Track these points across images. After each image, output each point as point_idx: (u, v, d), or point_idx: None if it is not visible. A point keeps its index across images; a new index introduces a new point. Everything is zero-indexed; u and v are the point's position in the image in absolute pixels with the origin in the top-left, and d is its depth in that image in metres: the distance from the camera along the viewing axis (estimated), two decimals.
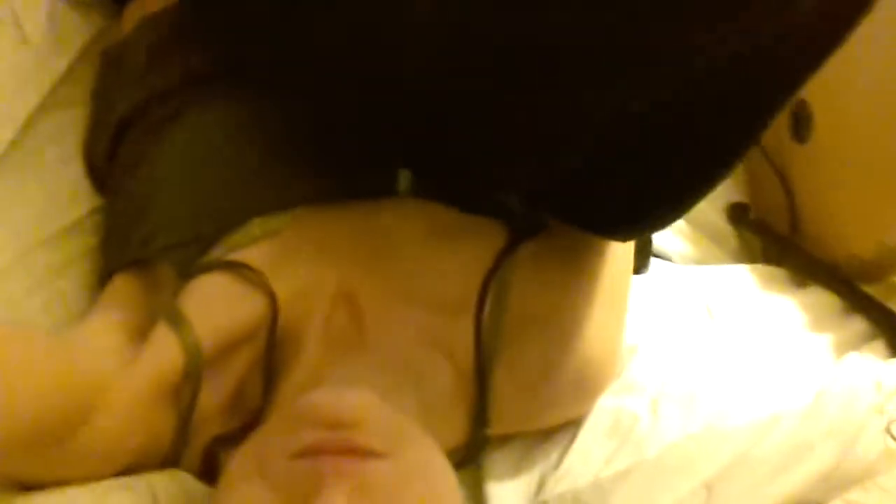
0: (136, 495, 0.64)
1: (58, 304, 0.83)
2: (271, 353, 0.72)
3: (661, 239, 1.06)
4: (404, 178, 0.76)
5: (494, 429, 0.79)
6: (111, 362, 0.69)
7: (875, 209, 0.99)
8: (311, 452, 0.55)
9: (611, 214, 0.69)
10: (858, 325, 0.94)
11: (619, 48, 0.57)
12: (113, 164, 0.87)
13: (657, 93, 0.59)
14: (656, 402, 0.84)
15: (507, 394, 0.77)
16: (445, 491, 0.61)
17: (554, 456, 0.83)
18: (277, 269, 0.73)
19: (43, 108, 0.92)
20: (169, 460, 0.70)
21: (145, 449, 0.68)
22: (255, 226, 0.75)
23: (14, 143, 0.89)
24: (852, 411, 0.79)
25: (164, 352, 0.69)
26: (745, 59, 0.56)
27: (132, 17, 0.95)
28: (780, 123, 1.05)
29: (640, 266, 1.01)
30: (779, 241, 1.05)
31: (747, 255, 1.07)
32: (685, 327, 0.92)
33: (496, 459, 0.83)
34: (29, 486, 0.64)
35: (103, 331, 0.73)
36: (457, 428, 0.78)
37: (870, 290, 0.97)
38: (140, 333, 0.72)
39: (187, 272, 0.73)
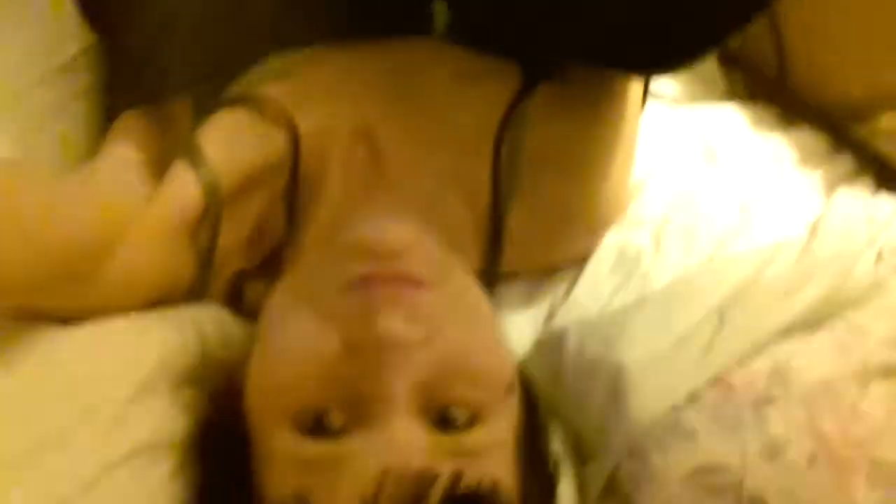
0: (176, 326, 0.65)
1: (59, 147, 0.82)
2: (295, 188, 0.72)
3: (653, 80, 1.06)
4: (440, 16, 0.74)
5: (507, 264, 0.81)
6: (129, 198, 0.68)
7: (864, 49, 1.00)
8: (363, 283, 0.57)
9: (647, 50, 0.69)
10: (845, 162, 0.98)
11: None
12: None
13: None
14: (659, 237, 0.88)
15: (522, 230, 0.79)
16: (485, 317, 0.63)
17: (562, 289, 0.86)
18: (297, 105, 0.72)
19: None
20: (192, 295, 0.71)
21: (168, 283, 0.69)
22: (275, 62, 0.73)
23: None
24: (847, 241, 0.83)
25: (183, 189, 0.69)
26: None
27: None
28: None
29: None
30: (767, 82, 1.06)
31: (735, 96, 1.08)
32: (683, 164, 0.94)
33: (507, 292, 0.86)
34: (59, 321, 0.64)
35: (118, 167, 0.72)
36: (471, 262, 0.80)
37: (856, 130, 1.00)
38: (155, 171, 0.72)
39: (205, 108, 0.71)
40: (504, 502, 0.54)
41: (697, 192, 0.91)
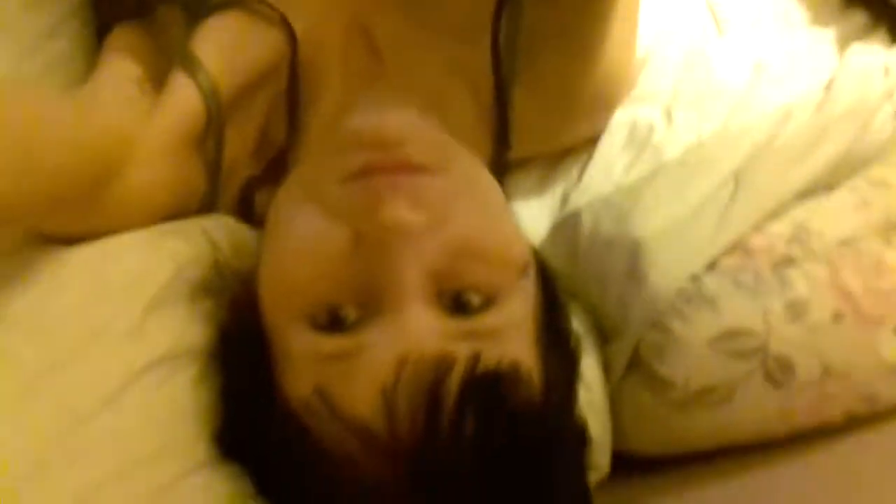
0: (188, 237, 0.64)
1: (55, 68, 0.80)
2: (294, 87, 0.71)
3: None
4: None
5: (516, 151, 0.80)
6: (130, 113, 0.67)
7: None
8: (364, 173, 0.55)
9: None
10: (858, 17, 0.94)
11: None
12: None
13: None
14: (670, 109, 0.85)
15: (528, 114, 0.77)
16: (494, 200, 0.62)
17: (575, 172, 0.85)
18: (288, 5, 0.70)
19: None
20: (203, 208, 0.70)
21: (179, 198, 0.68)
22: None
23: None
24: (864, 95, 0.80)
25: (184, 99, 0.67)
26: None
27: None
28: None
29: None
30: None
31: None
32: (690, 33, 0.91)
33: (519, 180, 0.85)
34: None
35: (116, 84, 0.71)
36: (480, 152, 0.78)
37: None
38: (152, 83, 0.70)
39: (194, 14, 0.70)
40: (525, 381, 0.53)
41: (707, 60, 0.88)
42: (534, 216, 0.83)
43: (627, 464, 0.72)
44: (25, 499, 0.51)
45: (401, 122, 0.59)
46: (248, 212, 0.72)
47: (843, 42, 0.91)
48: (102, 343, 0.57)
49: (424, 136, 0.60)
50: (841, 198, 0.74)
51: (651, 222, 0.71)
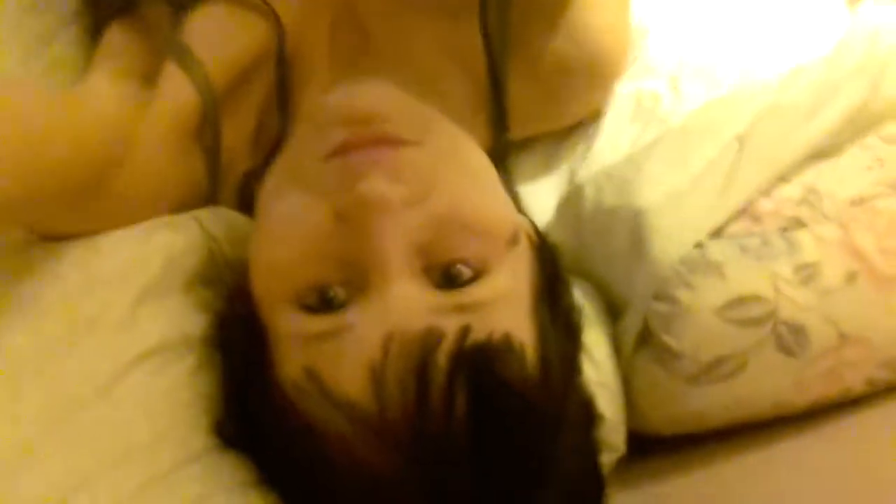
0: (181, 228, 0.64)
1: (55, 72, 0.80)
2: (283, 74, 0.70)
3: None
4: None
5: (515, 132, 0.78)
6: (126, 108, 0.67)
7: None
8: (343, 149, 0.54)
9: None
10: None
11: None
12: None
13: None
14: (676, 79, 0.83)
15: (523, 94, 0.76)
16: (479, 171, 0.60)
17: (580, 149, 0.83)
18: None
19: None
20: (206, 201, 0.69)
21: (181, 193, 0.68)
22: None
23: None
24: (875, 51, 0.77)
25: (177, 91, 0.67)
26: None
27: None
28: None
29: None
30: None
31: None
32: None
33: (523, 162, 0.84)
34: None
35: (109, 80, 0.71)
36: (479, 135, 0.77)
37: None
38: (146, 78, 0.70)
39: (180, 7, 0.69)
40: (518, 353, 0.51)
41: (712, 27, 0.86)
42: (542, 196, 0.82)
43: (646, 444, 0.70)
44: (18, 486, 0.51)
45: (377, 96, 0.58)
46: (249, 203, 0.72)
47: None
48: (95, 333, 0.57)
49: (403, 108, 0.59)
50: (853, 156, 0.71)
51: (653, 192, 0.69)
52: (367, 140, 0.54)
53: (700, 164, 0.70)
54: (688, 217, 0.67)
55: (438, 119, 0.61)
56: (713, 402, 0.66)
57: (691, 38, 0.85)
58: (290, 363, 0.53)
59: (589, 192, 0.73)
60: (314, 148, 0.56)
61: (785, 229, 0.66)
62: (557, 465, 0.52)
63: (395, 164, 0.54)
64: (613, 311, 0.72)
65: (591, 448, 0.58)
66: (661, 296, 0.66)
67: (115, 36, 0.74)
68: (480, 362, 0.50)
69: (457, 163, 0.57)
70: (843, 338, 0.64)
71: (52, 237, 0.63)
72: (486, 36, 0.72)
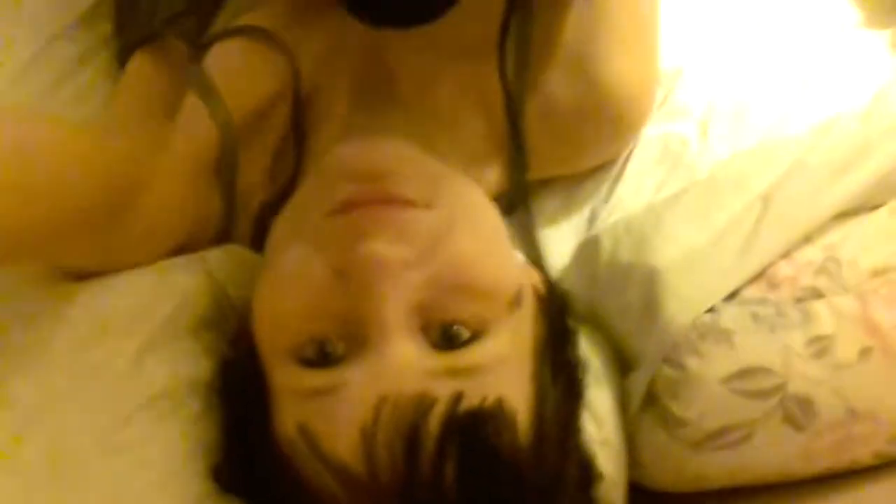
0: (191, 271, 0.65)
1: (85, 96, 0.82)
2: (298, 113, 0.71)
3: None
4: None
5: (534, 173, 0.78)
6: (146, 140, 0.68)
7: None
8: (348, 206, 0.55)
9: None
10: None
11: None
12: None
13: None
14: (706, 124, 0.82)
15: (542, 136, 0.75)
16: (487, 232, 0.60)
17: (604, 189, 0.82)
18: (292, 28, 0.70)
19: None
20: (221, 236, 0.70)
21: (196, 226, 0.68)
22: None
23: None
24: None
25: (198, 125, 0.68)
26: None
27: None
28: None
29: None
30: None
31: None
32: (731, 41, 0.87)
33: (545, 200, 0.83)
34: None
35: (131, 110, 0.72)
36: (497, 175, 0.77)
37: None
38: (168, 108, 0.71)
39: (196, 43, 0.70)
40: (510, 420, 0.51)
41: (746, 70, 0.84)
42: (562, 238, 0.81)
43: (648, 497, 0.70)
44: None
45: (390, 153, 0.59)
46: (263, 241, 0.73)
47: None
48: (99, 383, 0.58)
49: (414, 167, 0.59)
50: (879, 221, 0.69)
51: (670, 250, 0.68)
52: (372, 198, 0.55)
53: (722, 220, 0.69)
54: (704, 280, 0.66)
55: (451, 179, 0.61)
56: (717, 468, 0.66)
57: (723, 82, 0.83)
58: (286, 417, 0.53)
59: (606, 243, 0.72)
60: (320, 202, 0.56)
61: (801, 300, 0.65)
62: None
63: (399, 224, 0.54)
64: (623, 364, 0.72)
65: None
66: (670, 360, 0.65)
67: (140, 65, 0.75)
68: (471, 430, 0.50)
69: (465, 225, 0.57)
70: (852, 413, 0.63)
71: (70, 271, 0.64)
72: (503, 78, 0.71)
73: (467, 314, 0.54)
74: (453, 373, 0.52)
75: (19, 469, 0.54)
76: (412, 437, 0.49)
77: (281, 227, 0.61)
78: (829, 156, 0.72)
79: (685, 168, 0.79)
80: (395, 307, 0.52)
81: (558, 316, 0.62)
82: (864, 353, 0.63)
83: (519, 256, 0.73)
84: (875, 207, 0.71)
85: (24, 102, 0.79)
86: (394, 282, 0.52)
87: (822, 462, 0.65)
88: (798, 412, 0.63)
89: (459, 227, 0.56)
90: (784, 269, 0.67)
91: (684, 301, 0.66)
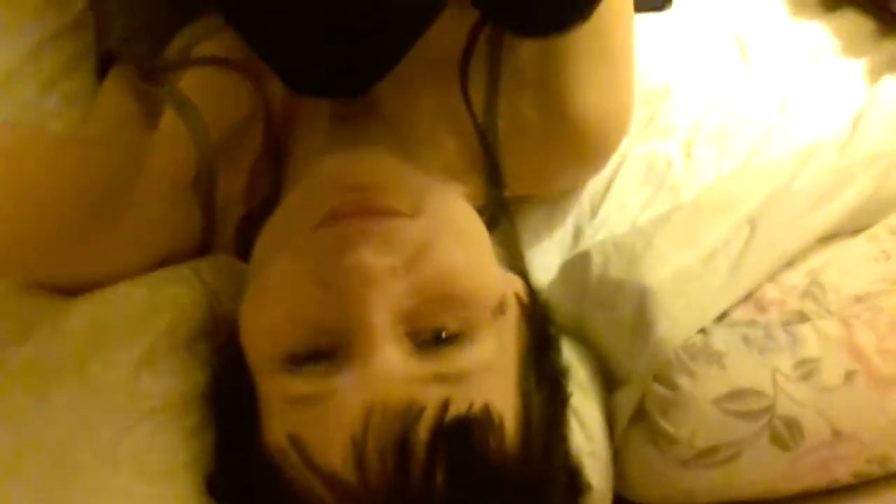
0: (185, 282, 0.65)
1: (70, 104, 0.82)
2: (272, 133, 0.71)
3: None
4: None
5: (511, 189, 0.77)
6: (126, 155, 0.68)
7: None
8: (334, 217, 0.55)
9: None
10: (892, 47, 0.91)
11: None
12: None
13: None
14: (690, 145, 0.84)
15: (515, 157, 0.74)
16: (475, 242, 0.61)
17: (586, 204, 0.83)
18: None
19: None
20: (202, 248, 0.70)
21: (176, 238, 0.69)
22: (213, 18, 0.71)
23: None
24: (891, 136, 0.78)
25: (176, 141, 0.68)
26: None
27: None
28: None
29: (664, 2, 0.96)
30: None
31: None
32: (716, 63, 0.89)
33: (527, 213, 0.83)
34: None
35: (110, 125, 0.72)
36: (475, 189, 0.77)
37: None
38: (146, 120, 0.71)
39: (153, 65, 0.70)
40: (497, 425, 0.52)
41: (730, 92, 0.86)
42: (545, 251, 0.82)
43: None
44: None
45: (372, 166, 0.60)
46: (247, 247, 0.72)
47: (875, 73, 0.89)
48: (98, 396, 0.58)
49: (397, 178, 0.60)
50: (859, 247, 0.72)
51: (661, 269, 0.70)
52: (358, 209, 0.55)
53: (710, 243, 0.70)
54: (695, 301, 0.68)
55: (435, 189, 0.61)
56: (704, 485, 0.67)
57: (708, 105, 0.85)
58: (276, 427, 0.54)
59: (596, 260, 0.73)
60: (306, 214, 0.57)
61: (788, 323, 0.67)
62: None
63: (385, 234, 0.54)
64: (608, 379, 0.73)
65: None
66: (661, 379, 0.66)
67: (115, 82, 0.75)
68: (459, 437, 0.51)
69: (449, 234, 0.58)
70: (837, 434, 0.65)
71: (54, 286, 0.63)
72: (466, 101, 0.71)
73: (452, 321, 0.54)
74: (440, 379, 0.52)
75: (27, 482, 0.54)
76: (402, 444, 0.49)
77: (266, 240, 0.61)
78: (812, 183, 0.74)
79: (670, 188, 0.81)
80: (382, 315, 0.53)
81: (541, 324, 0.63)
82: (849, 376, 0.65)
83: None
84: (855, 233, 0.73)
85: (9, 112, 0.78)
86: (380, 290, 0.53)
87: (805, 481, 0.67)
88: (785, 433, 0.64)
89: (444, 236, 0.57)
90: (771, 293, 0.69)
91: (676, 321, 0.67)
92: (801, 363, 0.65)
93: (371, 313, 0.52)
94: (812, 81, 0.88)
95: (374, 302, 0.52)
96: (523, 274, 0.79)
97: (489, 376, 0.55)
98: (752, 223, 0.71)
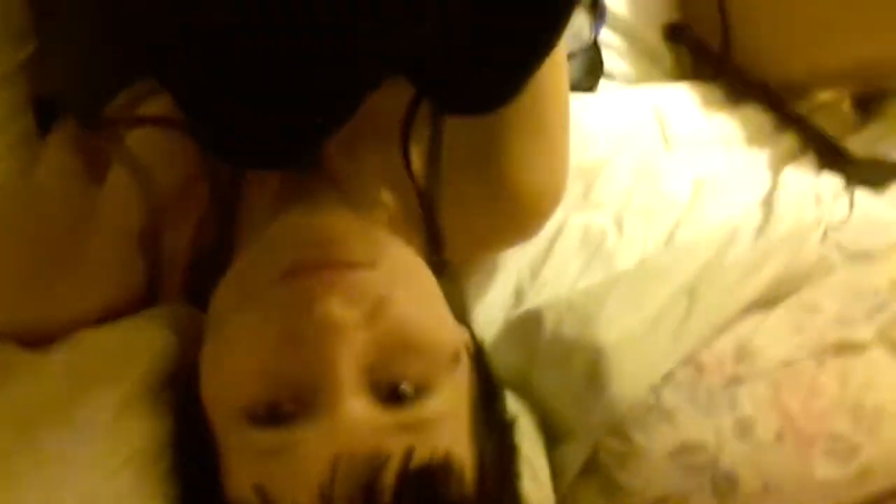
0: (157, 328, 0.66)
1: (18, 148, 0.81)
2: (218, 191, 0.72)
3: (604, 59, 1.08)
4: None
5: (449, 253, 0.79)
6: (74, 209, 0.68)
7: (803, 28, 1.04)
8: (297, 271, 0.57)
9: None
10: (789, 140, 1.02)
11: None
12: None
13: None
14: (621, 218, 0.91)
15: (455, 222, 0.77)
16: (427, 292, 0.64)
17: (526, 267, 0.88)
18: None
19: None
20: (148, 298, 0.71)
21: (122, 289, 0.69)
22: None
23: None
24: (799, 221, 0.88)
25: (126, 196, 0.68)
26: None
27: None
28: None
29: (590, 86, 1.04)
30: (714, 59, 1.09)
31: (681, 73, 1.12)
32: (640, 144, 0.97)
33: (470, 272, 0.87)
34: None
35: (59, 177, 0.72)
36: (416, 249, 0.79)
37: (798, 106, 1.04)
38: (94, 171, 0.72)
39: (88, 121, 0.72)
40: (457, 472, 0.55)
41: (654, 172, 0.94)
42: (487, 307, 0.86)
43: None
44: None
45: (331, 221, 0.62)
46: (196, 300, 0.73)
47: (777, 163, 0.99)
48: (86, 439, 0.57)
49: (358, 232, 0.62)
50: (779, 318, 0.79)
51: (612, 330, 0.75)
52: (323, 262, 0.57)
53: (653, 309, 0.77)
54: (645, 361, 0.74)
55: (390, 242, 0.64)
56: None
57: (637, 180, 0.93)
58: (240, 478, 0.54)
59: (549, 318, 0.78)
60: (268, 269, 0.59)
61: (727, 384, 0.73)
62: None
63: (347, 287, 0.56)
64: (549, 433, 0.77)
65: None
66: (616, 433, 0.71)
67: (65, 130, 0.75)
68: (423, 485, 0.53)
69: (406, 284, 0.60)
70: (766, 488, 0.72)
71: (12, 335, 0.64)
72: (407, 167, 0.72)
73: (412, 372, 0.57)
74: (403, 428, 0.54)
75: None
76: (369, 491, 0.51)
77: (226, 293, 0.62)
78: (738, 260, 0.83)
79: (605, 256, 0.87)
80: (347, 368, 0.54)
81: (488, 375, 0.66)
82: (779, 435, 0.72)
83: None
84: (776, 302, 0.81)
85: None
86: (345, 343, 0.55)
87: None
88: (724, 485, 0.70)
89: (401, 288, 0.59)
90: (707, 356, 0.76)
91: (628, 379, 0.72)
92: (739, 422, 0.72)
93: (337, 366, 0.54)
94: (723, 167, 0.97)
95: (341, 355, 0.54)
96: (468, 326, 0.83)
97: (448, 424, 0.57)
98: (691, 293, 0.78)
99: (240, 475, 0.54)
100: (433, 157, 0.75)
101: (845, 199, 0.93)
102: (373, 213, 0.73)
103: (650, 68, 1.11)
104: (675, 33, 1.12)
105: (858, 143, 1.00)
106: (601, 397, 0.73)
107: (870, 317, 0.79)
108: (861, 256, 0.86)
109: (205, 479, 0.56)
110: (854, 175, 0.97)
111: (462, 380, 0.60)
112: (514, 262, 0.88)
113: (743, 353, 0.76)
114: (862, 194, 0.94)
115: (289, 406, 0.54)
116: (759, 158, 0.99)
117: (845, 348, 0.78)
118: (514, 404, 0.76)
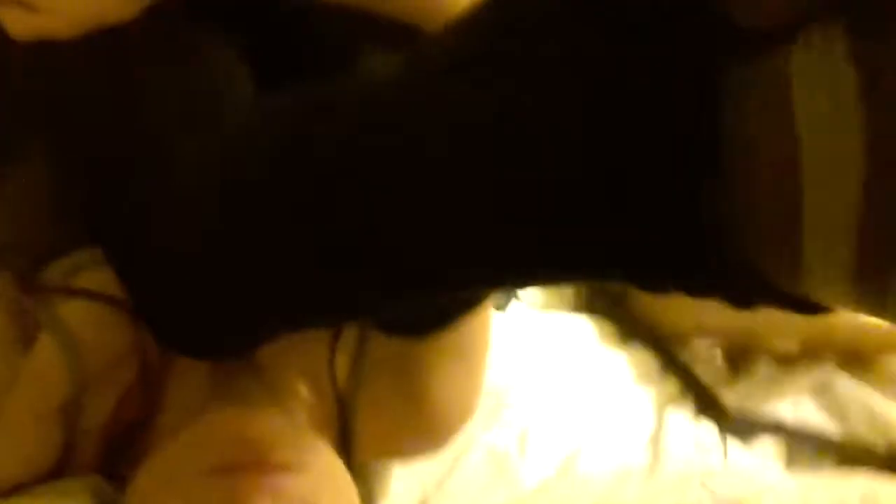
0: (82, 499, 0.66)
1: None
2: (147, 368, 0.73)
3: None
4: None
5: (359, 456, 0.82)
6: None
7: None
8: (227, 469, 0.59)
9: None
10: (673, 384, 1.12)
11: None
12: None
13: None
14: (523, 439, 0.96)
15: (368, 426, 0.80)
16: (350, 496, 0.67)
17: (431, 479, 0.91)
18: None
19: None
20: (58, 468, 0.71)
21: (35, 458, 0.70)
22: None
23: None
24: (688, 462, 0.96)
25: (51, 368, 0.69)
26: None
27: None
28: None
29: (501, 305, 1.12)
30: (608, 297, 1.19)
31: (580, 303, 1.21)
32: (543, 371, 1.05)
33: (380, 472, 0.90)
34: None
35: None
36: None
37: (680, 353, 1.15)
38: (16, 338, 0.72)
39: (28, 284, 0.73)
40: None
41: (555, 400, 1.01)
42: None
43: None
44: None
45: (263, 419, 0.65)
46: (109, 474, 0.73)
47: (661, 404, 1.08)
48: None
49: (288, 434, 0.65)
50: None
51: None
52: (250, 462, 0.60)
53: None
54: None
55: (318, 446, 0.67)
56: None
57: (539, 405, 1.00)
58: None
59: None
60: (196, 461, 0.61)
61: None
62: None
63: (275, 492, 0.58)
64: None
65: None
66: None
67: (2, 285, 0.75)
68: None
69: (333, 490, 0.63)
70: None
71: None
72: (331, 373, 0.77)
73: None
74: None
75: None
76: None
77: (148, 481, 0.63)
78: (629, 499, 0.90)
79: (509, 473, 0.93)
80: None
81: None
82: None
83: None
84: None
85: None
86: None
87: None
88: None
89: (325, 494, 0.62)
90: None
91: None
92: None
93: None
94: (614, 402, 1.05)
95: None
96: None
97: None
98: None
99: None
100: (358, 361, 0.79)
101: (721, 447, 1.02)
102: (293, 407, 0.76)
103: (553, 297, 1.20)
104: None
105: (731, 397, 1.11)
106: None
107: None
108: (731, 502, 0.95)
109: None
110: (726, 426, 1.07)
111: None
112: (420, 470, 0.92)
113: None
114: (734, 443, 1.04)
115: None
116: (646, 398, 1.08)
117: None
118: None
